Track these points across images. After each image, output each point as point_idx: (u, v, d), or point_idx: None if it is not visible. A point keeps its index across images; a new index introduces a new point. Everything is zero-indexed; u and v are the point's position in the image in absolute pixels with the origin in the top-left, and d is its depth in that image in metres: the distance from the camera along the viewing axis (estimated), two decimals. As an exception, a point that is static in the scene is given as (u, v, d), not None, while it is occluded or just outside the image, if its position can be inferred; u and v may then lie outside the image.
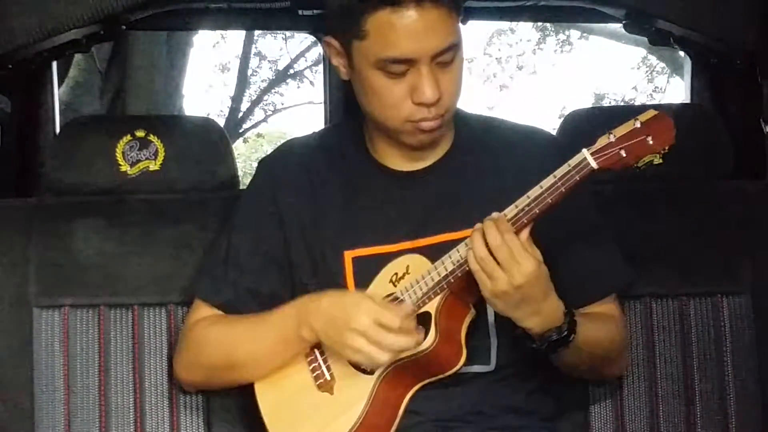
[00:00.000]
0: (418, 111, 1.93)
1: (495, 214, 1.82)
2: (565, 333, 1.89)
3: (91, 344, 2.34)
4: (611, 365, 2.18)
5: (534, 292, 1.84)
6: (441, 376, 1.97)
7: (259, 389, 2.07)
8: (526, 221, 1.82)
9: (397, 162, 2.09)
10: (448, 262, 1.91)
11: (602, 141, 1.83)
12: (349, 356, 1.91)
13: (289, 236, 2.10)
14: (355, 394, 1.97)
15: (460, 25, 1.95)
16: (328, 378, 2.00)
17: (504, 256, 1.79)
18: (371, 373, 1.96)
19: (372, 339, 1.85)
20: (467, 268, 1.89)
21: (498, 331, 2.02)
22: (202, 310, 2.15)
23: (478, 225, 1.82)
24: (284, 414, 2.04)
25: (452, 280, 1.92)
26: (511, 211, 1.83)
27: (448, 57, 1.91)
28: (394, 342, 1.85)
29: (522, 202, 1.82)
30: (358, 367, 1.97)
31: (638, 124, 1.82)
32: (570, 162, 1.83)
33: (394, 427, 1.98)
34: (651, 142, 1.81)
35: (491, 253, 1.80)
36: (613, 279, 2.10)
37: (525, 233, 1.82)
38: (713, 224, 2.41)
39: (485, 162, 2.08)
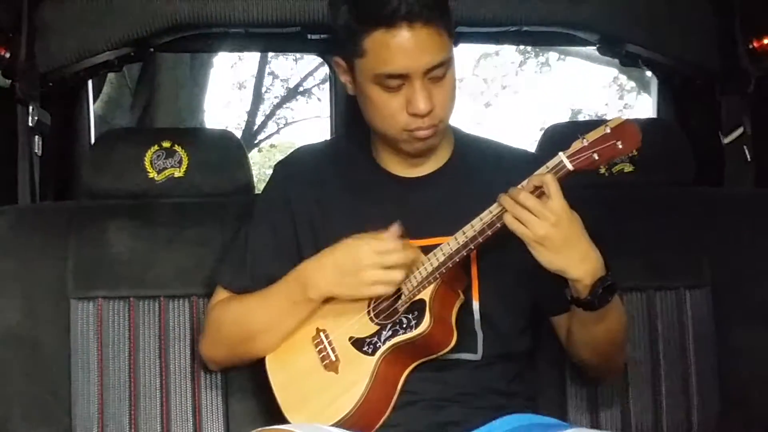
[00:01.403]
0: (413, 121, 1.92)
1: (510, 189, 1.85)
2: (610, 282, 1.87)
3: (122, 332, 2.34)
4: (622, 352, 2.15)
5: (573, 232, 1.83)
6: (435, 356, 1.97)
7: (270, 369, 2.07)
8: None
9: (400, 168, 2.08)
10: (440, 254, 1.92)
11: (576, 145, 1.84)
12: (369, 291, 1.92)
13: (300, 230, 2.10)
14: (359, 373, 1.96)
15: (451, 38, 1.95)
16: (333, 359, 2.00)
17: (532, 202, 1.80)
18: (373, 354, 1.96)
19: (385, 263, 1.89)
20: (457, 259, 1.91)
21: (482, 326, 2.01)
22: (223, 295, 2.15)
23: (501, 195, 1.84)
24: (294, 392, 2.03)
25: (444, 271, 1.92)
26: (495, 208, 1.87)
27: (439, 72, 1.91)
28: (401, 257, 1.89)
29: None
30: (360, 348, 1.97)
31: (608, 130, 1.83)
32: (548, 164, 1.84)
33: (392, 403, 1.97)
34: (620, 146, 1.83)
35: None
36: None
37: None
38: (677, 226, 2.41)
39: (478, 175, 2.07)
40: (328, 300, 2.00)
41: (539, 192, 1.82)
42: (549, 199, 1.80)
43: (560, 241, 1.81)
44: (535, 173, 1.84)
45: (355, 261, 1.91)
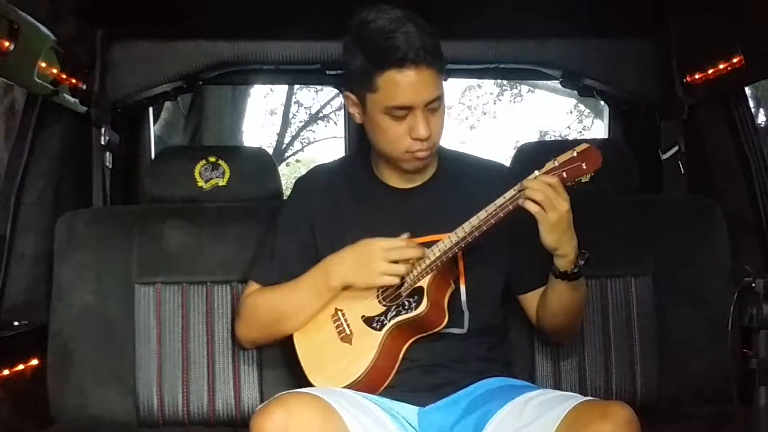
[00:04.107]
0: (414, 144, 1.93)
1: (527, 181, 1.85)
2: (588, 256, 1.91)
3: (176, 311, 2.34)
4: (581, 316, 2.16)
5: (570, 219, 1.86)
6: (429, 333, 1.97)
7: (296, 341, 2.07)
8: (502, 215, 1.86)
9: (396, 182, 2.08)
10: (436, 250, 1.92)
11: (549, 165, 1.86)
12: (379, 280, 1.92)
13: (317, 234, 2.09)
14: (368, 345, 1.97)
15: (443, 79, 1.95)
16: (348, 333, 2.00)
17: (551, 193, 1.81)
18: (380, 329, 1.96)
19: (391, 258, 1.89)
20: (450, 255, 1.91)
21: (468, 306, 2.02)
22: (254, 288, 2.14)
23: (524, 182, 1.84)
24: (316, 359, 2.03)
25: (438, 264, 1.92)
26: (482, 214, 1.87)
27: (435, 105, 1.92)
28: (408, 253, 1.90)
29: (491, 207, 1.87)
30: (370, 324, 1.97)
31: (575, 153, 1.84)
32: (527, 179, 1.85)
33: (395, 370, 1.98)
34: (584, 167, 1.84)
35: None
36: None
37: None
38: (624, 225, 2.40)
39: (459, 184, 2.07)
40: (345, 287, 2.00)
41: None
42: (561, 194, 1.83)
43: (566, 224, 1.85)
44: (531, 178, 1.85)
45: (368, 255, 1.91)
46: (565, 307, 2.02)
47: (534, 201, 1.83)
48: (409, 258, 1.91)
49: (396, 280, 1.93)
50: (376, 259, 1.90)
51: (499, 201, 1.86)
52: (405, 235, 1.94)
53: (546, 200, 1.82)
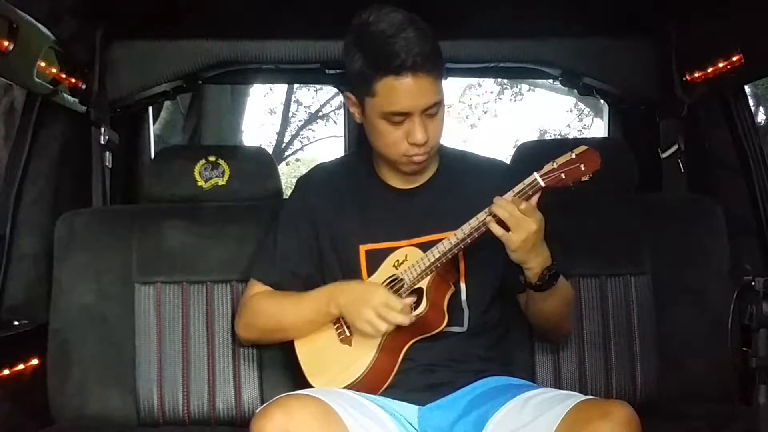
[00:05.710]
0: (411, 149, 1.93)
1: (497, 198, 1.85)
2: (555, 271, 1.92)
3: (176, 310, 2.34)
4: (567, 321, 2.17)
5: (540, 238, 1.86)
6: (429, 334, 1.97)
7: (297, 343, 2.07)
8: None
9: (397, 182, 2.08)
10: (435, 252, 1.92)
11: (548, 167, 1.86)
12: (361, 325, 1.91)
13: (319, 233, 2.09)
14: (368, 346, 1.97)
15: (443, 80, 1.95)
16: (348, 334, 2.00)
17: (519, 213, 1.82)
18: (378, 333, 1.96)
19: (380, 314, 1.87)
20: (449, 256, 1.92)
21: (469, 305, 2.02)
22: (257, 287, 2.14)
23: (495, 201, 1.84)
24: (315, 360, 2.04)
25: (438, 265, 1.93)
26: (482, 215, 1.88)
27: (434, 110, 1.92)
28: (395, 318, 1.87)
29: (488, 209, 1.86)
30: None
31: (574, 155, 1.85)
32: (525, 181, 1.86)
33: (395, 370, 1.98)
34: (583, 168, 1.84)
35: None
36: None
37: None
38: (624, 225, 2.40)
39: (460, 184, 2.07)
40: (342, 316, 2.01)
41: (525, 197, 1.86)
42: (533, 214, 1.83)
43: (530, 245, 1.85)
44: (517, 191, 1.86)
45: (366, 298, 1.91)
46: (541, 312, 2.05)
47: (500, 220, 1.84)
48: (395, 323, 1.89)
49: (375, 335, 1.93)
50: (369, 307, 1.89)
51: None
52: (409, 300, 1.93)
53: (511, 219, 1.83)
